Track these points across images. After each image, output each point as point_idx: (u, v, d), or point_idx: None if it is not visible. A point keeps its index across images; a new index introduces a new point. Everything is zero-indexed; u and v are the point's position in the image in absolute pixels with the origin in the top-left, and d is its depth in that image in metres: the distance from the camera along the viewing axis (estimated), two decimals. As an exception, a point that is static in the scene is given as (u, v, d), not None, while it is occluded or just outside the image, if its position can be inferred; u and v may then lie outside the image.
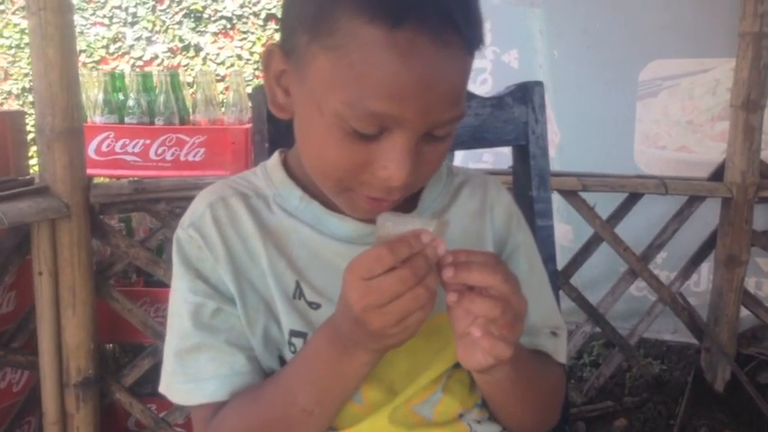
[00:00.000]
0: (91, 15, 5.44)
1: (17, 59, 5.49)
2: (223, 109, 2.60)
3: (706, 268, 2.59)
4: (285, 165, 0.87)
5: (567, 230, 2.74)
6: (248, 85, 5.11)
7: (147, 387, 2.18)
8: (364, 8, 0.66)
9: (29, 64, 5.38)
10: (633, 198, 2.35)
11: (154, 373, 2.01)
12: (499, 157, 2.75)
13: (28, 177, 1.89)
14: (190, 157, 2.46)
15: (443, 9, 0.67)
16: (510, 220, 0.93)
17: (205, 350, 0.81)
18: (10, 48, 5.47)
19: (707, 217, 2.43)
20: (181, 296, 0.82)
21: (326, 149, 0.74)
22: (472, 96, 1.13)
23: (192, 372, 0.81)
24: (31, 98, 5.37)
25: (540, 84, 1.16)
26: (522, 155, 1.17)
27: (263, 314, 0.82)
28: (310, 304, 0.82)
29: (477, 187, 0.93)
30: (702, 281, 2.67)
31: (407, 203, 0.83)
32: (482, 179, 0.95)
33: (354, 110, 0.69)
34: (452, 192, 0.92)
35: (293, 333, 0.81)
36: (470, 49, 0.71)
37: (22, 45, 5.44)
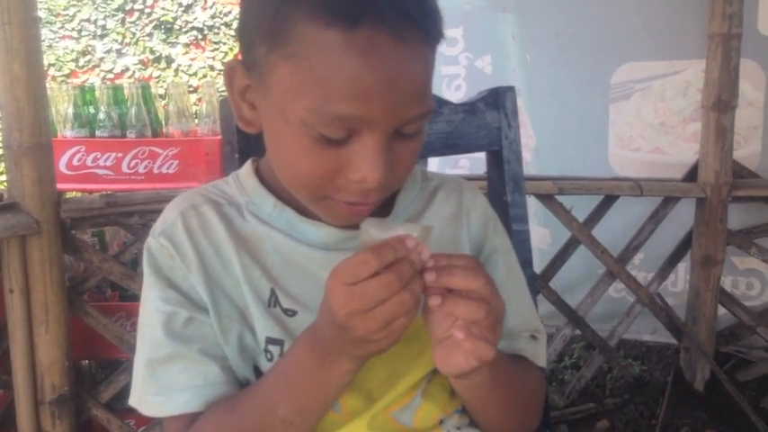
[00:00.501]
0: (59, 29, 5.39)
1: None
2: (196, 120, 2.58)
3: (683, 268, 2.61)
4: (258, 173, 0.87)
5: (545, 234, 2.75)
6: (221, 95, 5.09)
7: (124, 402, 2.13)
8: (319, 12, 0.66)
9: (-3, 79, 5.35)
10: (609, 200, 2.36)
11: (131, 388, 1.98)
12: (475, 163, 2.75)
13: (-4, 194, 1.86)
14: (163, 170, 2.43)
15: (399, 5, 0.66)
16: (486, 224, 0.93)
17: (178, 360, 0.79)
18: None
19: (682, 217, 2.45)
20: (152, 306, 0.81)
21: (297, 159, 0.73)
22: (445, 103, 1.12)
23: (164, 383, 0.80)
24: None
25: (511, 89, 1.16)
26: (495, 160, 1.17)
27: (237, 322, 0.81)
28: (286, 311, 0.81)
29: (453, 191, 0.93)
30: (679, 281, 2.69)
31: (382, 209, 0.82)
32: (457, 183, 0.95)
33: (320, 115, 0.68)
34: (427, 196, 0.91)
35: (269, 340, 0.80)
36: (431, 43, 0.71)
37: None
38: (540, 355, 0.93)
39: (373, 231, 0.69)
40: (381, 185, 0.72)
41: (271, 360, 0.80)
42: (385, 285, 0.65)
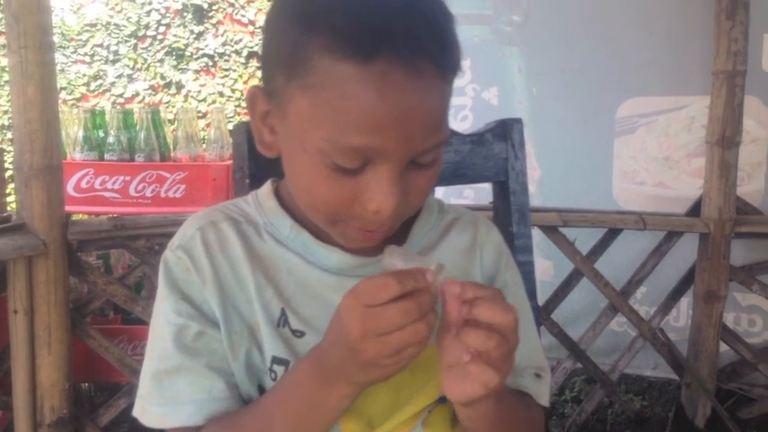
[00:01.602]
0: (72, 53, 5.46)
1: (-5, 96, 5.49)
2: (204, 145, 2.61)
3: (685, 303, 2.60)
4: (277, 194, 0.88)
5: (548, 266, 2.75)
6: (230, 121, 5.14)
7: (123, 426, 2.14)
8: (336, 45, 0.67)
9: (8, 101, 5.37)
10: (612, 233, 2.37)
11: (130, 412, 1.97)
12: (480, 193, 2.77)
13: (5, 215, 1.87)
14: (170, 194, 2.45)
15: (414, 39, 0.67)
16: (499, 259, 0.94)
17: (184, 373, 0.80)
18: (-12, 85, 5.47)
19: (685, 252, 2.45)
20: (164, 317, 0.81)
21: (314, 186, 0.74)
22: (453, 133, 1.14)
23: (168, 394, 0.80)
24: (9, 135, 5.34)
25: (519, 121, 1.18)
26: (502, 191, 1.18)
27: (246, 340, 0.82)
28: (294, 332, 0.81)
29: (468, 225, 0.93)
30: (682, 316, 2.69)
31: (398, 237, 0.83)
32: (473, 217, 0.95)
33: (336, 145, 0.69)
34: (443, 228, 0.92)
35: (275, 360, 0.81)
36: (446, 75, 0.72)
37: (2, 83, 5.43)
38: (543, 393, 0.93)
39: (396, 261, 0.70)
40: (395, 215, 0.73)
41: (275, 379, 0.81)
42: (404, 312, 0.65)
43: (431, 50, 0.68)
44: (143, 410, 0.82)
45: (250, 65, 5.50)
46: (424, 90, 0.69)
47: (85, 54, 5.51)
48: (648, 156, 2.68)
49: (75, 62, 5.50)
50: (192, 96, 5.51)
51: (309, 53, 0.69)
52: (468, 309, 0.68)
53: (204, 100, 5.49)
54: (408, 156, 0.71)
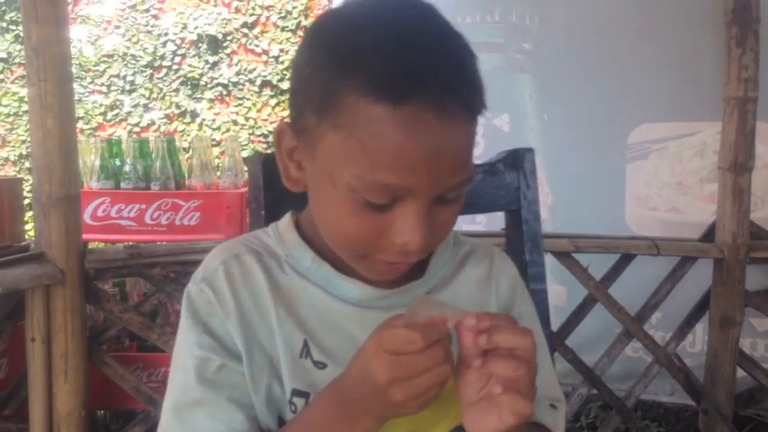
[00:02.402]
0: (89, 84, 5.55)
1: (15, 127, 5.56)
2: (218, 173, 2.63)
3: (701, 329, 2.59)
4: (297, 226, 0.89)
5: (561, 291, 2.74)
6: (243, 149, 5.18)
7: (138, 455, 2.13)
8: (369, 88, 0.69)
9: (26, 131, 5.47)
10: (626, 259, 2.36)
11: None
12: (492, 219, 2.77)
13: (23, 244, 1.90)
14: (185, 222, 2.47)
15: (444, 81, 0.69)
16: (514, 291, 0.94)
17: (205, 406, 0.80)
18: (8, 116, 5.55)
19: (699, 278, 2.44)
20: (187, 350, 0.82)
21: (342, 221, 0.76)
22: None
23: (188, 427, 0.80)
24: (27, 165, 5.42)
25: (530, 150, 1.19)
26: (514, 220, 1.19)
27: (267, 373, 0.82)
28: (316, 363, 0.82)
29: (483, 257, 0.94)
30: (698, 341, 2.67)
31: (415, 269, 0.84)
32: (488, 250, 0.96)
33: (366, 183, 0.71)
34: (459, 260, 0.93)
35: (295, 392, 0.81)
36: (473, 115, 0.74)
37: (20, 113, 5.52)
38: (558, 425, 0.93)
39: (423, 307, 0.71)
40: (422, 248, 0.75)
41: (294, 411, 0.81)
42: (432, 358, 0.67)
43: (459, 92, 0.70)
44: None
45: (263, 93, 5.56)
46: (453, 130, 0.71)
47: (102, 84, 5.59)
48: (661, 181, 2.68)
49: (93, 92, 5.58)
50: (206, 125, 5.57)
51: (343, 95, 0.71)
52: (485, 338, 0.69)
53: (218, 128, 5.55)
54: (436, 193, 0.73)
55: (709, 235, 2.41)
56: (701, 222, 2.53)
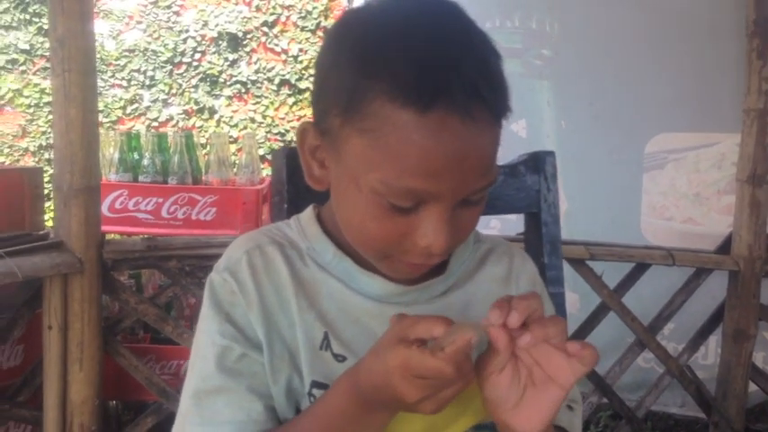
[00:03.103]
0: (110, 77, 5.60)
1: (35, 118, 5.62)
2: (235, 170, 2.65)
3: (714, 341, 2.58)
4: (319, 219, 0.89)
5: (574, 299, 2.74)
6: (260, 147, 5.21)
7: (148, 446, 2.15)
8: (396, 93, 0.69)
9: (46, 122, 5.53)
10: (640, 268, 2.36)
11: (156, 431, 1.99)
12: (506, 224, 2.77)
13: (43, 232, 1.91)
14: (201, 216, 2.49)
15: (471, 86, 0.69)
16: (534, 290, 0.93)
17: (225, 394, 0.81)
18: (29, 107, 5.60)
19: (714, 289, 2.43)
20: (208, 338, 0.83)
21: (366, 223, 0.76)
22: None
23: (207, 414, 0.81)
24: (47, 156, 5.47)
25: (551, 153, 1.19)
26: (534, 222, 1.19)
27: (287, 363, 0.83)
28: (336, 356, 0.83)
29: (503, 255, 0.95)
30: (710, 354, 2.66)
31: (436, 267, 0.85)
32: (508, 248, 0.97)
33: (391, 187, 0.72)
34: (479, 258, 0.94)
35: (315, 384, 0.82)
36: (498, 119, 0.74)
37: (41, 104, 5.57)
38: (575, 425, 0.93)
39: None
40: (445, 251, 0.76)
41: None
42: (460, 377, 0.68)
43: (485, 97, 0.70)
44: (182, 428, 0.83)
45: (281, 92, 5.58)
46: (479, 135, 0.71)
47: (123, 78, 5.64)
48: (678, 192, 2.68)
49: (113, 86, 5.63)
50: (224, 122, 5.60)
51: (369, 99, 0.71)
52: (525, 337, 0.69)
53: (236, 125, 5.58)
54: (460, 197, 0.74)
55: (725, 247, 2.40)
56: (717, 234, 2.52)
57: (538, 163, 1.18)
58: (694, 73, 2.61)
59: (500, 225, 2.85)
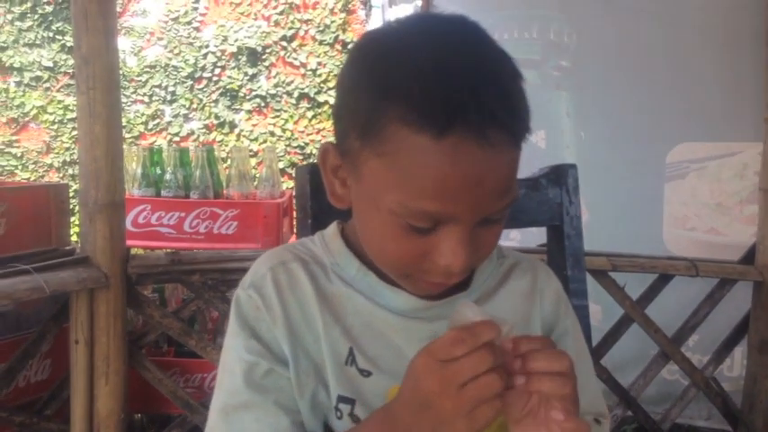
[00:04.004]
0: (132, 93, 5.67)
1: (59, 134, 5.70)
2: (256, 184, 2.66)
3: (739, 353, 2.55)
4: (343, 235, 0.90)
5: (597, 310, 2.72)
6: (280, 160, 5.24)
7: (172, 459, 2.16)
8: (411, 118, 0.69)
9: (70, 138, 5.61)
10: (663, 279, 2.34)
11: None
12: (527, 235, 2.76)
13: (69, 248, 1.94)
14: (223, 230, 2.50)
15: (487, 110, 0.69)
16: (559, 305, 0.94)
17: (252, 409, 0.82)
18: (53, 123, 5.69)
19: (738, 300, 2.41)
20: (235, 354, 0.84)
21: (386, 243, 0.77)
22: (516, 174, 1.15)
23: (235, 429, 0.82)
24: (71, 171, 5.54)
25: (573, 166, 1.20)
26: (556, 235, 1.19)
27: (312, 378, 0.84)
28: (361, 371, 0.83)
29: (528, 270, 0.95)
30: (736, 366, 2.62)
31: (459, 283, 0.85)
32: (532, 262, 0.97)
33: (408, 209, 0.72)
34: (503, 273, 0.94)
35: (341, 399, 0.83)
36: (517, 141, 0.74)
37: (65, 120, 5.65)
38: None
39: (469, 313, 0.71)
40: (465, 270, 0.76)
41: (340, 418, 0.83)
42: (480, 360, 0.66)
43: (502, 120, 0.70)
44: None
45: (300, 106, 5.63)
46: (495, 158, 0.71)
47: (144, 94, 5.71)
48: (700, 202, 2.66)
49: (135, 102, 5.70)
50: (244, 136, 5.65)
51: (386, 123, 0.71)
52: (521, 362, 0.69)
53: (256, 139, 5.63)
54: (478, 218, 0.74)
55: (749, 257, 2.38)
56: (740, 244, 2.50)
57: (559, 176, 1.18)
58: (715, 82, 2.60)
59: (520, 236, 2.84)
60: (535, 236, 2.38)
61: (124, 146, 1.92)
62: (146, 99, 5.71)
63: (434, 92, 0.69)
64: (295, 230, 1.07)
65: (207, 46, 5.68)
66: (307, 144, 5.58)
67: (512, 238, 2.83)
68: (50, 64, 5.66)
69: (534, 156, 2.84)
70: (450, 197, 0.70)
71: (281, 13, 5.63)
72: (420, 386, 0.68)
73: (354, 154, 0.77)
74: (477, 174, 0.70)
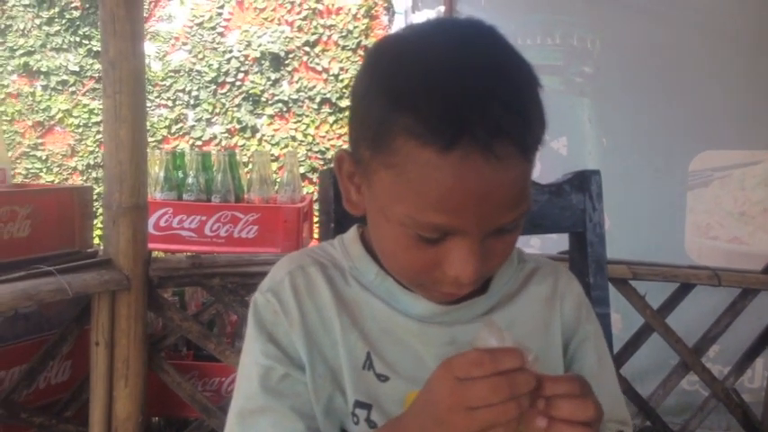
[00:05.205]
0: (156, 98, 5.72)
1: (84, 138, 5.77)
2: (276, 188, 2.67)
3: (760, 364, 2.52)
4: (362, 239, 0.90)
5: (616, 319, 2.70)
6: (301, 165, 5.26)
7: (191, 462, 2.17)
8: (418, 131, 0.69)
9: (94, 142, 5.68)
10: (685, 288, 2.31)
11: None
12: (546, 242, 2.76)
13: (92, 250, 1.96)
14: (243, 234, 2.51)
15: (494, 125, 0.68)
16: (580, 311, 0.93)
17: (268, 414, 0.82)
18: (78, 126, 5.76)
19: (761, 310, 2.38)
20: (252, 358, 0.84)
21: (396, 252, 0.78)
22: (531, 184, 1.15)
23: None
24: (95, 174, 5.60)
25: (597, 173, 1.19)
26: (578, 242, 1.19)
27: (329, 383, 0.84)
28: (379, 376, 0.83)
29: (548, 275, 0.94)
30: (757, 377, 2.60)
31: (478, 287, 0.85)
32: (554, 267, 0.96)
33: (415, 221, 0.72)
34: (523, 278, 0.93)
35: (358, 404, 0.83)
36: (526, 154, 0.72)
37: (90, 124, 5.72)
38: None
39: (491, 338, 0.69)
40: (474, 280, 0.75)
41: (357, 423, 0.82)
42: (495, 389, 0.64)
43: (511, 133, 0.69)
44: None
45: (322, 111, 5.65)
46: (503, 172, 0.70)
47: (168, 99, 5.76)
48: (723, 210, 2.63)
49: (159, 106, 5.75)
50: (265, 140, 5.68)
51: (394, 135, 0.71)
52: (543, 403, 0.66)
53: (277, 144, 5.65)
54: (487, 231, 0.73)
55: (773, 267, 2.35)
56: (763, 254, 2.47)
57: (583, 182, 1.18)
58: (739, 89, 2.58)
59: (540, 243, 2.83)
60: (556, 243, 2.37)
61: (147, 150, 1.94)
62: (169, 103, 5.76)
63: (442, 104, 0.68)
64: (317, 235, 1.07)
65: (230, 51, 5.71)
66: (328, 149, 5.60)
67: (531, 245, 2.82)
68: (77, 68, 5.73)
69: (556, 162, 2.83)
70: (456, 211, 0.70)
71: (304, 19, 5.66)
72: (433, 399, 0.68)
73: (366, 163, 0.77)
74: (483, 188, 0.69)
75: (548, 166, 2.85)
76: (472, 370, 0.65)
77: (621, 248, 2.66)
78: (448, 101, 0.68)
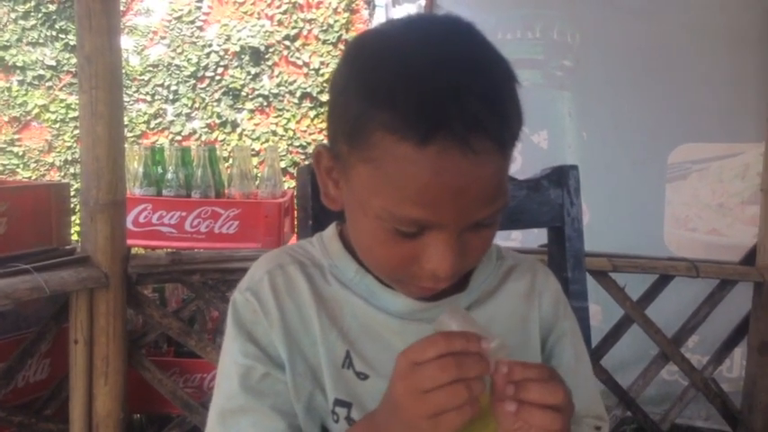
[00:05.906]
0: (134, 92, 5.67)
1: (61, 133, 5.70)
2: (257, 183, 2.66)
3: (739, 354, 2.55)
4: (341, 237, 0.90)
5: (597, 311, 2.72)
6: (282, 160, 5.24)
7: (172, 459, 2.16)
8: (394, 126, 0.69)
9: (72, 137, 5.61)
10: (664, 280, 2.34)
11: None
12: (528, 236, 2.76)
13: (69, 247, 1.94)
14: (224, 230, 2.50)
15: (471, 119, 0.68)
16: (557, 307, 0.94)
17: (249, 413, 0.82)
18: (55, 122, 5.69)
19: (739, 301, 2.41)
20: (232, 358, 0.84)
21: (374, 247, 0.77)
22: (509, 179, 1.15)
23: None
24: (72, 170, 5.54)
25: (575, 167, 1.20)
26: (557, 236, 1.19)
27: (309, 382, 0.84)
28: (358, 374, 0.83)
29: (526, 271, 0.94)
30: (735, 367, 2.62)
31: (456, 284, 0.85)
32: (531, 264, 0.96)
33: (393, 214, 0.72)
34: (501, 274, 0.93)
35: (337, 402, 0.83)
36: (503, 149, 0.72)
37: (67, 119, 5.65)
38: None
39: (453, 322, 0.70)
40: (452, 275, 0.75)
41: (337, 421, 0.83)
42: (440, 369, 0.65)
43: (488, 127, 0.69)
44: None
45: (303, 105, 5.63)
46: (480, 166, 0.70)
47: (147, 93, 5.71)
48: (701, 202, 2.66)
49: (137, 101, 5.70)
50: (246, 135, 5.65)
51: (371, 129, 0.71)
52: (513, 389, 0.67)
53: (258, 139, 5.62)
54: (464, 225, 0.73)
55: (750, 258, 2.38)
56: (741, 245, 2.50)
57: (561, 177, 1.18)
58: (717, 83, 2.60)
59: (521, 236, 2.84)
60: (537, 237, 2.38)
61: (126, 145, 1.92)
62: (148, 98, 5.71)
63: (418, 99, 0.68)
64: (296, 231, 1.07)
65: (210, 45, 5.67)
66: (309, 144, 5.58)
67: (513, 239, 2.83)
68: (53, 63, 5.66)
69: (536, 156, 2.84)
70: (434, 205, 0.70)
71: (284, 13, 5.63)
72: (393, 386, 0.69)
73: (344, 158, 0.77)
74: (460, 182, 0.69)
75: (528, 159, 2.86)
76: (425, 352, 0.66)
77: (601, 241, 2.68)
78: (425, 96, 0.68)
